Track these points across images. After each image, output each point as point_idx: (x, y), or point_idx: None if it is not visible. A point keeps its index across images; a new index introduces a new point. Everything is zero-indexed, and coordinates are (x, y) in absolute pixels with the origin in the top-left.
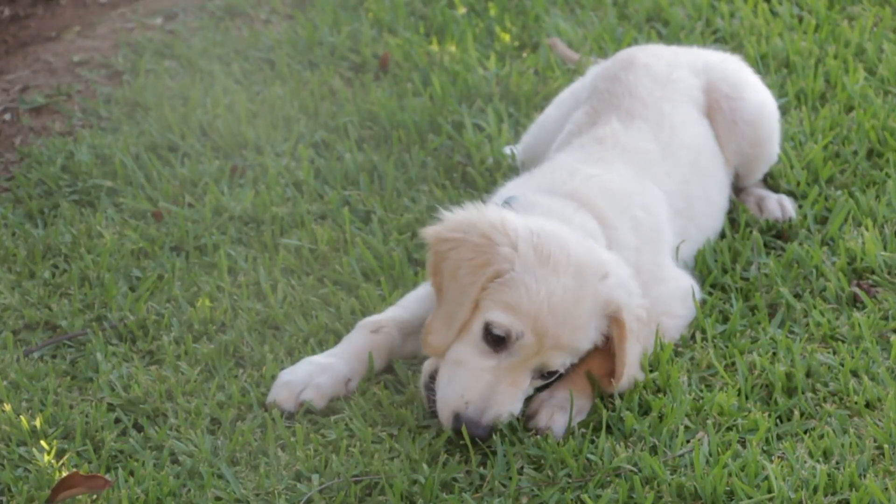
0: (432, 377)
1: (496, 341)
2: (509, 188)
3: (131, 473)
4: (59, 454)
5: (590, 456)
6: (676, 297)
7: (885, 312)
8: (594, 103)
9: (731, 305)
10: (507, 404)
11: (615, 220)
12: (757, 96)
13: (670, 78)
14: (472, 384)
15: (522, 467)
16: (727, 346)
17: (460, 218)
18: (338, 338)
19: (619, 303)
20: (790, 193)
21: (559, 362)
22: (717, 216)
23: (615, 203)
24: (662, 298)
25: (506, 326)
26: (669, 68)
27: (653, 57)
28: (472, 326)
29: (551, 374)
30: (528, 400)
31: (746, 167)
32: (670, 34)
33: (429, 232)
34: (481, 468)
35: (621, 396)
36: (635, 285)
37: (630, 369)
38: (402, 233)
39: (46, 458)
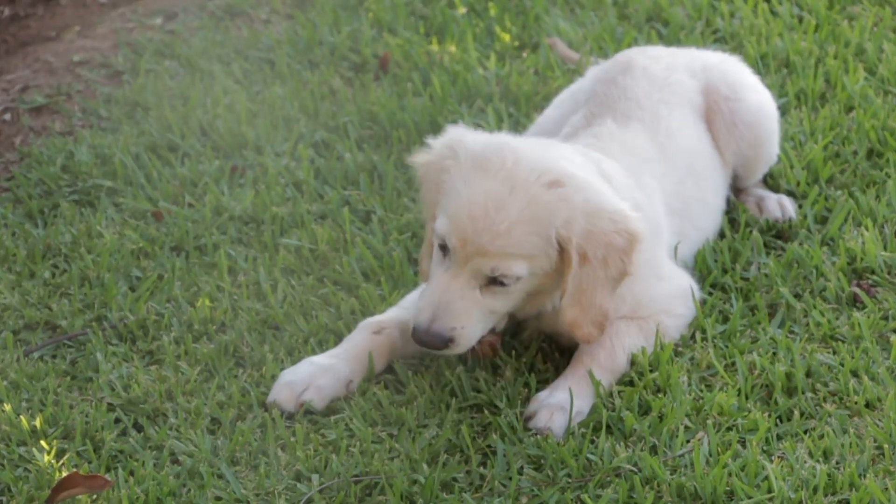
0: None
1: (443, 249)
2: None
3: (131, 473)
4: (59, 454)
5: (590, 456)
6: (676, 295)
7: (885, 312)
8: (591, 107)
9: (731, 305)
10: (462, 316)
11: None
12: (756, 97)
13: (668, 81)
14: (425, 295)
15: (522, 467)
16: (727, 346)
17: (435, 144)
18: (338, 338)
19: (566, 217)
20: (790, 193)
21: (492, 267)
22: (715, 217)
23: (616, 177)
24: (662, 296)
25: (439, 233)
26: (667, 71)
27: (651, 60)
28: (433, 241)
29: (503, 281)
30: (528, 400)
31: (746, 168)
32: (670, 34)
33: (414, 160)
34: (481, 468)
35: (621, 396)
36: (619, 205)
37: (583, 300)
38: (402, 233)
39: (46, 458)
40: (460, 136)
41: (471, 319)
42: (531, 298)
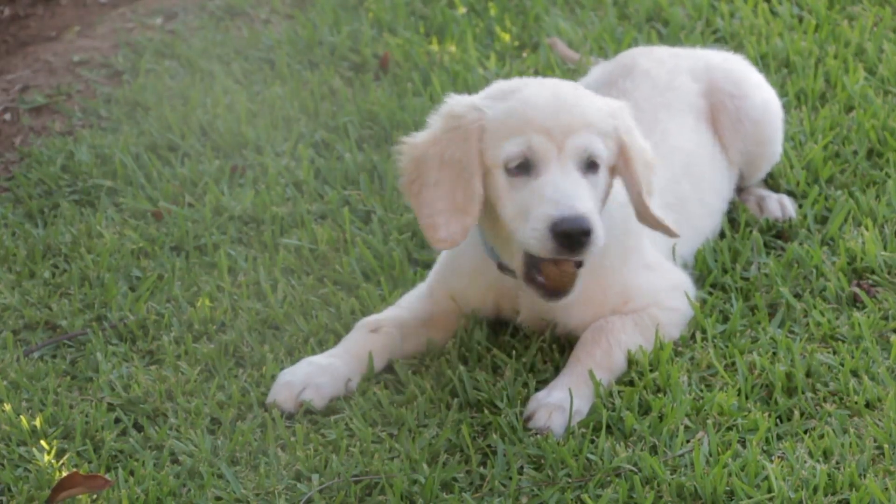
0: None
1: (524, 169)
2: None
3: (131, 473)
4: (59, 454)
5: (590, 456)
6: (666, 287)
7: (885, 312)
8: None
9: (731, 305)
10: (584, 197)
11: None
12: (761, 95)
13: (670, 85)
14: (540, 201)
15: (522, 467)
16: (727, 346)
17: (427, 126)
18: (338, 338)
19: (613, 111)
20: (790, 193)
21: (585, 142)
22: (713, 218)
23: None
24: (652, 288)
25: (516, 150)
26: (670, 75)
27: (654, 63)
28: (497, 182)
29: (595, 161)
30: (527, 400)
31: (750, 166)
32: (670, 34)
33: (404, 146)
34: (481, 468)
35: (621, 396)
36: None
37: (646, 193)
38: (402, 233)
39: (46, 458)
40: (457, 101)
41: (590, 198)
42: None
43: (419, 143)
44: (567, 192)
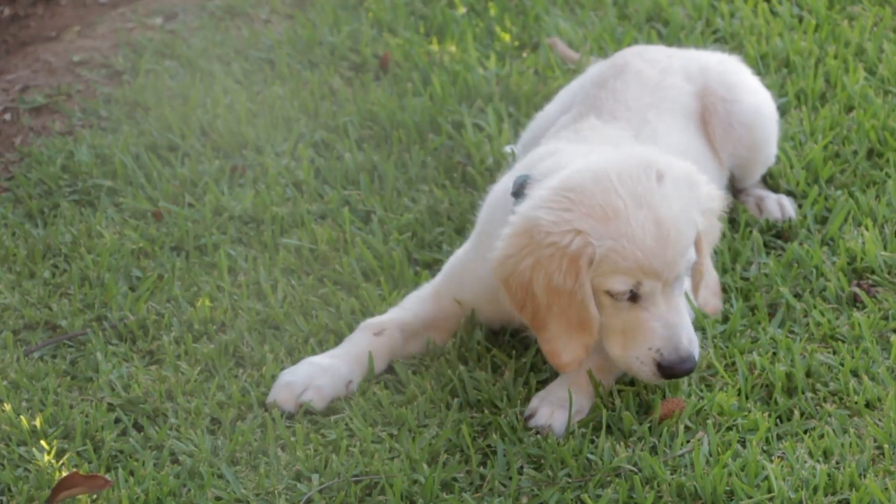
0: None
1: (630, 297)
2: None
3: (131, 473)
4: (59, 454)
5: (590, 456)
6: None
7: (885, 312)
8: (581, 108)
9: (731, 305)
10: (687, 326)
11: None
12: (753, 98)
13: (661, 85)
14: (647, 336)
15: (522, 467)
16: (727, 346)
17: (512, 247)
18: (338, 338)
19: (687, 201)
20: (790, 193)
21: (685, 269)
22: None
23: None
24: None
25: (623, 289)
26: (661, 75)
27: (646, 63)
28: (599, 299)
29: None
30: (528, 399)
31: (743, 169)
32: (670, 34)
33: (498, 272)
34: (481, 468)
35: (621, 396)
36: (694, 172)
37: (707, 277)
38: (402, 233)
39: (46, 458)
40: (544, 219)
41: (690, 323)
42: None
43: (520, 267)
44: (673, 325)
